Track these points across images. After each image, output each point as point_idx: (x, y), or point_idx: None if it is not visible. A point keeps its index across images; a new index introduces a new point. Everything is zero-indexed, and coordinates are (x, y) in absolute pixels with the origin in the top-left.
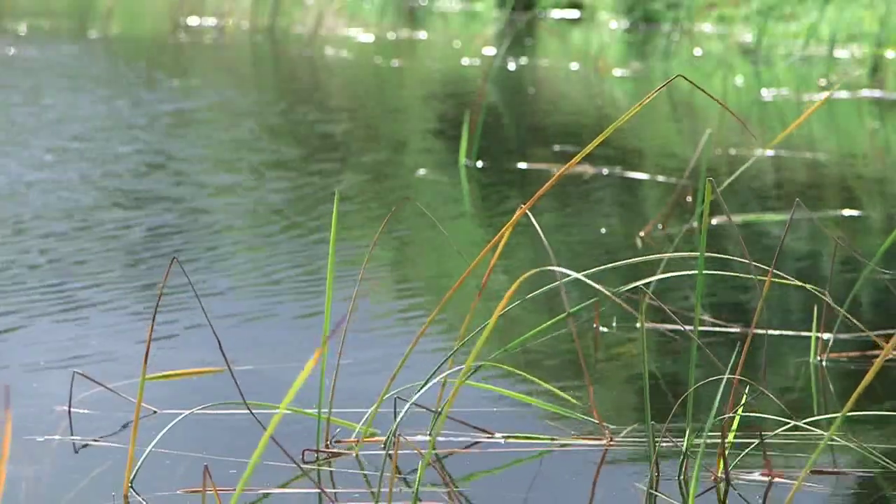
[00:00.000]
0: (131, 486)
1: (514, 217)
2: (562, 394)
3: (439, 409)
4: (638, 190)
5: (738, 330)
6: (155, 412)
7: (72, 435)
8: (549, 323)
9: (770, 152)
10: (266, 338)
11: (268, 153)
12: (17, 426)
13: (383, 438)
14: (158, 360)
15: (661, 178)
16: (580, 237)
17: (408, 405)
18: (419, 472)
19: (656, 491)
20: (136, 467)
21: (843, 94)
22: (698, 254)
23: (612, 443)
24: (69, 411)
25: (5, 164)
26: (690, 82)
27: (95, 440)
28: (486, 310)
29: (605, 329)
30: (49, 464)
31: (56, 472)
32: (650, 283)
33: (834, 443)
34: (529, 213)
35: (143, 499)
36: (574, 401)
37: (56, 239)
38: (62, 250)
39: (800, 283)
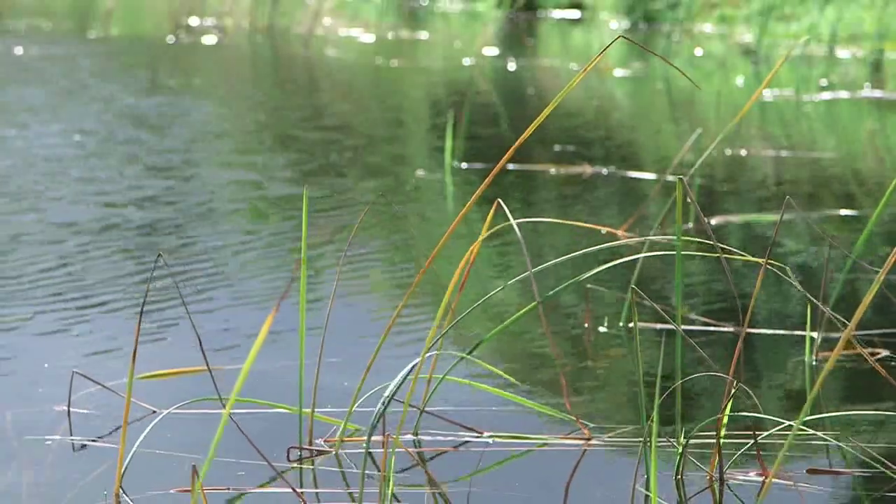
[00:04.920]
0: (122, 488)
1: (464, 209)
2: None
3: (417, 406)
4: (635, 189)
5: (731, 329)
6: (154, 412)
7: (71, 435)
8: (521, 312)
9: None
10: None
11: (264, 154)
12: (16, 426)
13: (373, 437)
14: (162, 359)
15: (655, 177)
16: (575, 236)
17: (382, 402)
18: (389, 469)
19: (651, 491)
20: (125, 467)
21: (844, 94)
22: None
23: (603, 442)
24: (69, 411)
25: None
26: (636, 44)
27: (93, 440)
28: (484, 308)
29: (603, 329)
30: (49, 464)
31: (56, 473)
32: (642, 281)
33: (826, 442)
34: (503, 204)
35: (136, 498)
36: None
37: (56, 238)
38: (63, 250)
39: (796, 285)
